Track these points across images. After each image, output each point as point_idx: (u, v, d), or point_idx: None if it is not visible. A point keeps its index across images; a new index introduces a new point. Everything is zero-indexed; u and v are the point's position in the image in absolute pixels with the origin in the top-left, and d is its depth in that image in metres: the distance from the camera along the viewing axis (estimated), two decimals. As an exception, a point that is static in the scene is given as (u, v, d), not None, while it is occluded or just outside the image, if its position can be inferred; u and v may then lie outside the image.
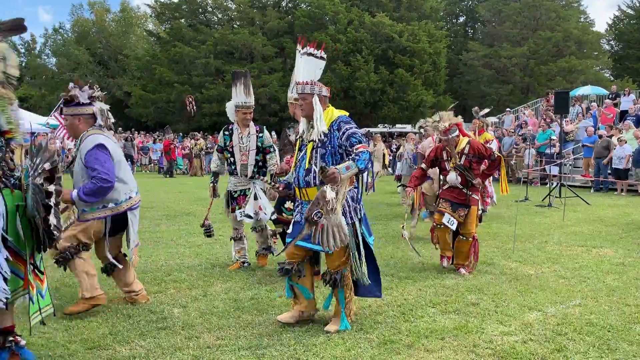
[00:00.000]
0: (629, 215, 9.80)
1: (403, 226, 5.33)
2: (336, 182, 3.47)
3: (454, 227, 5.54)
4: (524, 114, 21.52)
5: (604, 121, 16.95)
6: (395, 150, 19.68)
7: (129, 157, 22.54)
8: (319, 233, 3.45)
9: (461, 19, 43.69)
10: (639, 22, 35.89)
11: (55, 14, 74.04)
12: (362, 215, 3.89)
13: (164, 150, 21.17)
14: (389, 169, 18.33)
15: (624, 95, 18.64)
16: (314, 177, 3.77)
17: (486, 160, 5.66)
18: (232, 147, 5.57)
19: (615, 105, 18.20)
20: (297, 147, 4.04)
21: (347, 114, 3.97)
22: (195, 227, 7.80)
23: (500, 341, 3.67)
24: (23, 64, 45.28)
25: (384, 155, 17.90)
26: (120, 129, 31.43)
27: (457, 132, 5.56)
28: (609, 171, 14.49)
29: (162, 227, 7.92)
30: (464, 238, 5.59)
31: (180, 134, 28.64)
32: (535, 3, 32.92)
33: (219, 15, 36.02)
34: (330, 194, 3.42)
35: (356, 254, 3.81)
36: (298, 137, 4.09)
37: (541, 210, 10.51)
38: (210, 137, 26.24)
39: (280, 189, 4.19)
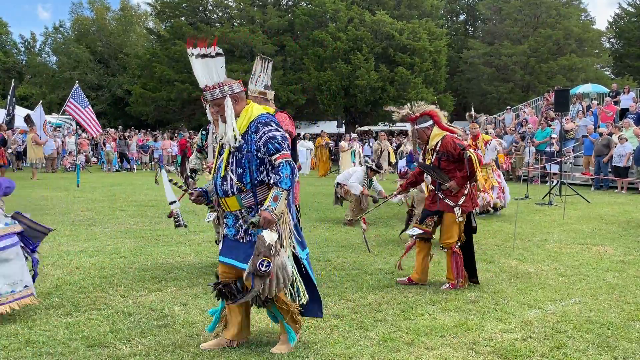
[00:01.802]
0: (629, 213, 9.80)
1: (364, 220, 5.14)
2: (274, 223, 3.17)
3: (414, 233, 5.03)
4: (525, 112, 21.51)
5: (604, 119, 16.95)
6: (395, 148, 19.67)
7: (123, 155, 22.57)
8: (268, 283, 3.13)
9: (462, 17, 43.62)
10: (640, 20, 35.87)
11: (55, 12, 74.02)
12: (292, 227, 3.41)
13: (180, 149, 21.16)
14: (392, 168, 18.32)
15: (624, 93, 18.63)
16: (231, 186, 3.31)
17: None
18: (207, 147, 5.34)
19: (616, 103, 18.20)
20: (217, 152, 3.56)
21: (272, 110, 3.46)
22: (196, 226, 7.81)
23: (499, 339, 3.68)
24: (23, 62, 45.32)
25: (389, 153, 17.90)
26: (120, 127, 31.50)
27: (428, 123, 4.92)
28: (609, 169, 14.49)
29: (163, 226, 7.93)
30: (442, 249, 5.04)
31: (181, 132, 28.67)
32: (535, 1, 32.85)
33: (219, 14, 35.96)
34: (270, 238, 3.11)
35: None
36: (218, 140, 3.56)
37: (541, 208, 10.51)
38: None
39: (194, 196, 3.58)
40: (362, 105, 29.41)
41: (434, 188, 4.96)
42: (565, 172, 14.75)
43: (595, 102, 19.21)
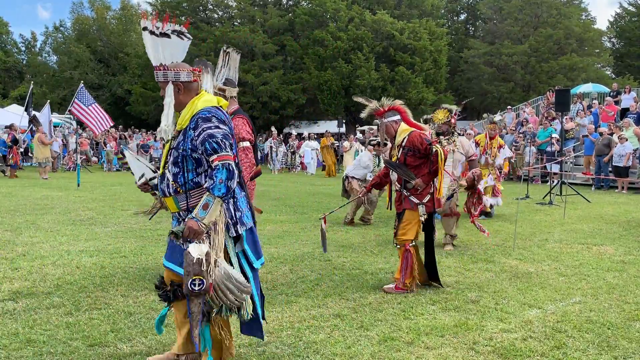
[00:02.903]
0: (629, 213, 9.80)
1: (324, 217, 5.02)
2: (201, 234, 2.81)
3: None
4: (525, 111, 21.51)
5: (605, 119, 16.94)
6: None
7: (122, 154, 22.59)
8: (215, 296, 2.82)
9: (462, 17, 43.59)
10: (641, 20, 35.84)
11: (54, 11, 74.15)
12: (245, 231, 3.05)
13: None
14: None
15: (625, 93, 18.62)
16: (168, 186, 3.00)
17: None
18: None
19: (616, 102, 18.19)
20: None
21: (225, 103, 3.09)
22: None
23: (500, 338, 3.69)
24: (23, 62, 45.32)
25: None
26: (120, 126, 31.49)
27: (395, 118, 4.83)
28: (610, 169, 14.50)
29: (163, 225, 7.93)
30: (395, 245, 4.89)
31: None
32: (536, 0, 32.83)
33: (220, 13, 35.96)
34: (198, 252, 2.75)
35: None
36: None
37: (542, 208, 10.51)
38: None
39: (139, 183, 3.37)
40: (363, 105, 29.42)
41: (399, 187, 4.84)
42: (566, 171, 14.75)
43: (595, 101, 19.21)
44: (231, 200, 3.00)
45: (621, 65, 37.11)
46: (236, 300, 2.86)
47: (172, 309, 3.16)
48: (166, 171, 3.01)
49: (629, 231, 7.94)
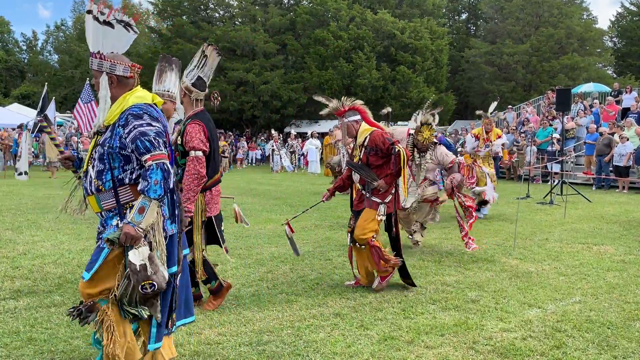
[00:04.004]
0: (630, 213, 9.80)
1: (289, 225, 4.94)
2: (139, 239, 2.64)
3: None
4: (526, 111, 21.49)
5: (606, 118, 16.92)
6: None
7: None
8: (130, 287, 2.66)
9: (463, 16, 43.58)
10: (642, 19, 35.81)
11: (55, 10, 74.20)
12: (163, 236, 2.80)
13: None
14: None
15: (626, 92, 18.60)
16: (90, 183, 2.83)
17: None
18: None
19: (618, 102, 18.17)
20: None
21: (160, 101, 2.91)
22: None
23: (499, 338, 3.69)
24: (25, 61, 45.36)
25: None
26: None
27: (356, 117, 4.79)
28: (610, 169, 14.48)
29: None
30: (360, 246, 4.79)
31: None
32: (537, 0, 32.83)
33: (221, 12, 35.97)
34: (139, 258, 2.62)
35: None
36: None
37: (542, 208, 10.51)
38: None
39: (61, 156, 3.21)
40: (364, 104, 29.43)
41: (361, 187, 4.79)
42: (567, 171, 14.74)
43: (597, 101, 19.20)
44: None
45: (622, 65, 37.08)
46: (160, 283, 2.69)
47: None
48: (90, 168, 2.82)
49: (630, 231, 7.94)
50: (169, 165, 2.69)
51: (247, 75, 29.64)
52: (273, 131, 24.52)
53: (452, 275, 5.31)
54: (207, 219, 4.21)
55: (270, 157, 23.13)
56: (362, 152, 4.73)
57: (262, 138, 29.80)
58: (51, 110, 17.51)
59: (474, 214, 6.32)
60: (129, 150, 2.70)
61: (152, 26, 40.24)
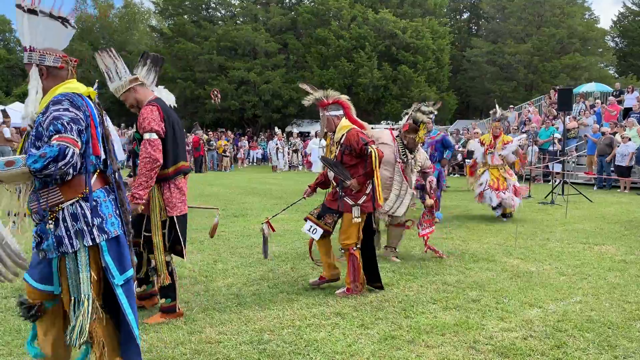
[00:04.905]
0: (631, 213, 9.79)
1: (269, 224, 4.90)
2: None
3: (316, 237, 4.77)
4: (528, 110, 21.47)
5: (608, 118, 16.91)
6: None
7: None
8: None
9: (465, 16, 43.56)
10: (644, 19, 35.76)
11: (57, 9, 74.18)
12: (106, 241, 2.60)
13: (194, 146, 21.29)
14: None
15: (628, 92, 18.58)
16: None
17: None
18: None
19: (619, 102, 18.15)
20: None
21: (94, 93, 2.74)
22: (196, 223, 7.83)
23: (500, 337, 3.69)
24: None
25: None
26: (122, 124, 31.54)
27: (338, 112, 4.67)
28: (612, 168, 14.47)
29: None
30: (340, 250, 4.78)
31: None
32: (539, -1, 32.84)
33: (222, 12, 36.02)
34: None
35: (81, 298, 2.57)
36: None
37: (544, 208, 10.50)
38: (211, 132, 26.38)
39: None
40: (365, 104, 29.41)
41: (336, 185, 4.68)
42: (568, 171, 14.73)
43: (598, 101, 19.18)
44: (87, 204, 2.55)
45: (624, 65, 37.04)
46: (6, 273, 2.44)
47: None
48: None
49: (631, 231, 7.93)
50: (73, 152, 2.40)
51: (248, 75, 29.66)
52: (277, 129, 24.52)
53: (453, 275, 5.31)
54: (168, 219, 3.87)
55: (275, 155, 23.09)
56: (338, 149, 4.60)
57: (263, 137, 29.82)
58: None
59: (434, 221, 6.19)
60: (46, 139, 2.46)
61: (153, 25, 40.33)
